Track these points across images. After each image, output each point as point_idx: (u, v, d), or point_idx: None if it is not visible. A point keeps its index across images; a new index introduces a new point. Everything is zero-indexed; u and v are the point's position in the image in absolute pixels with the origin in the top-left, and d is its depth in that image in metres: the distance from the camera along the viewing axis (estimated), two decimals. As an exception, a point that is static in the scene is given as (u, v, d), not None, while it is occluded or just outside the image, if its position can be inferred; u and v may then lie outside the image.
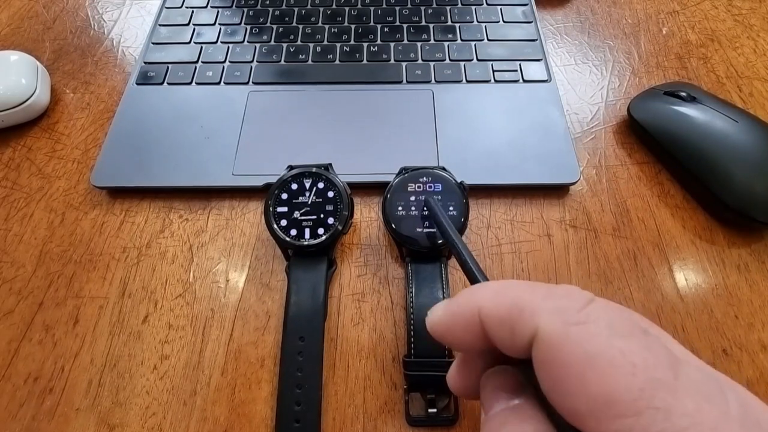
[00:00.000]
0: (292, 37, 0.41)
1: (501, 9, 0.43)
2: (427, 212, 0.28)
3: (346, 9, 0.43)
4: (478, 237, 0.32)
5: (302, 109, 0.37)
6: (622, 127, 0.37)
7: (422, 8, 0.43)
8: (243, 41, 0.41)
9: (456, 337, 0.16)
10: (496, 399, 0.15)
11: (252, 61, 0.40)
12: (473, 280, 0.20)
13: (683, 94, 0.34)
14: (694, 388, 0.12)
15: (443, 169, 0.29)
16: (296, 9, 0.43)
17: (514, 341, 0.14)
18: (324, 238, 0.28)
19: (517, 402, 0.15)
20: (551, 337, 0.13)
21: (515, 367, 0.16)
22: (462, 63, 0.39)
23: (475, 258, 0.21)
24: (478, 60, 0.39)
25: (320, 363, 0.26)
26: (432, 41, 0.41)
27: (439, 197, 0.28)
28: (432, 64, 0.39)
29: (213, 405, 0.26)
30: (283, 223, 0.28)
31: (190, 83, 0.38)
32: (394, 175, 0.29)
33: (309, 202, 0.29)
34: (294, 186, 0.29)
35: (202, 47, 0.40)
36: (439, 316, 0.16)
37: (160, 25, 0.42)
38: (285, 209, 0.28)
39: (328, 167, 0.30)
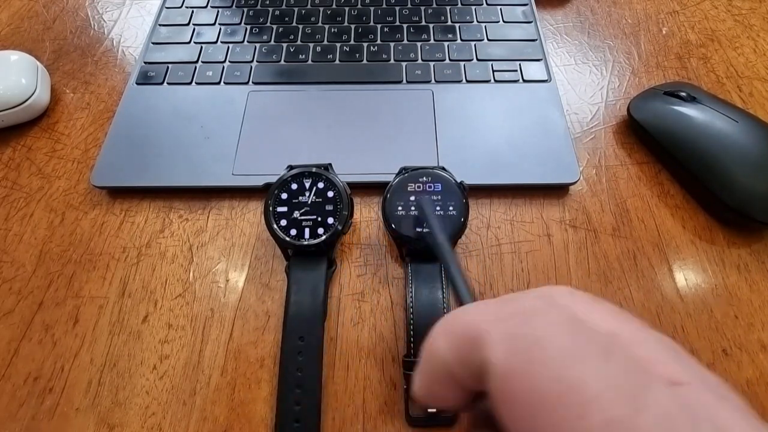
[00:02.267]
0: (292, 37, 0.41)
1: (501, 9, 0.43)
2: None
3: (346, 9, 0.43)
4: (478, 237, 0.32)
5: (302, 109, 0.37)
6: (622, 127, 0.37)
7: (422, 8, 0.43)
8: (243, 41, 0.41)
9: (444, 399, 0.14)
10: None
11: (252, 61, 0.40)
12: (459, 299, 0.18)
13: (683, 94, 0.34)
14: (658, 423, 0.10)
15: (443, 169, 0.29)
16: (296, 9, 0.43)
17: (479, 377, 0.12)
18: (324, 238, 0.28)
19: None
20: (497, 371, 0.11)
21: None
22: (462, 63, 0.39)
23: (464, 273, 0.19)
24: (478, 60, 0.39)
25: (320, 363, 0.26)
26: (432, 41, 0.41)
27: (439, 197, 0.28)
28: (432, 64, 0.39)
29: (213, 405, 0.26)
30: (283, 222, 0.28)
31: (190, 83, 0.38)
32: (394, 175, 0.29)
33: (309, 202, 0.29)
34: (294, 186, 0.29)
35: (202, 47, 0.40)
36: (417, 382, 0.14)
37: (160, 25, 0.42)
38: (285, 209, 0.28)
39: (328, 167, 0.30)
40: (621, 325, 0.12)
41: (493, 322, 0.12)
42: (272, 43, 0.41)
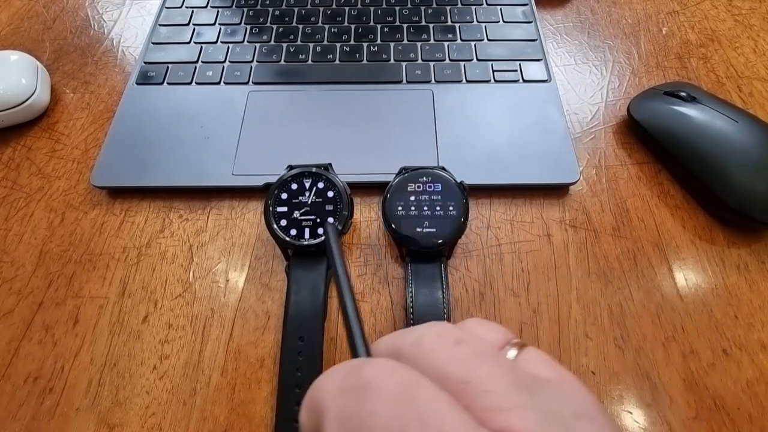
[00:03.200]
0: (292, 37, 0.41)
1: (501, 9, 0.43)
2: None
3: (346, 9, 0.43)
4: (478, 237, 0.32)
5: (302, 109, 0.37)
6: (622, 127, 0.37)
7: (422, 8, 0.43)
8: (243, 41, 0.41)
9: None
10: None
11: (252, 61, 0.40)
12: (354, 352, 0.16)
13: (683, 94, 0.34)
14: None
15: (443, 169, 0.29)
16: (296, 9, 0.43)
17: None
18: (324, 238, 0.28)
19: None
20: None
21: None
22: (462, 63, 0.39)
23: (361, 322, 0.16)
24: (478, 60, 0.39)
25: (320, 363, 0.26)
26: (432, 41, 0.41)
27: (439, 197, 0.28)
28: (432, 64, 0.39)
29: (213, 405, 0.26)
30: (283, 223, 0.28)
31: (190, 83, 0.38)
32: (394, 175, 0.29)
33: (309, 202, 0.29)
34: (294, 186, 0.29)
35: (202, 47, 0.40)
36: None
37: (160, 25, 0.42)
38: (285, 209, 0.28)
39: (328, 167, 0.30)
40: (474, 371, 0.12)
41: (333, 398, 0.12)
42: (272, 43, 0.41)
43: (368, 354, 0.15)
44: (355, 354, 0.15)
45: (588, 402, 0.12)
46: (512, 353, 0.14)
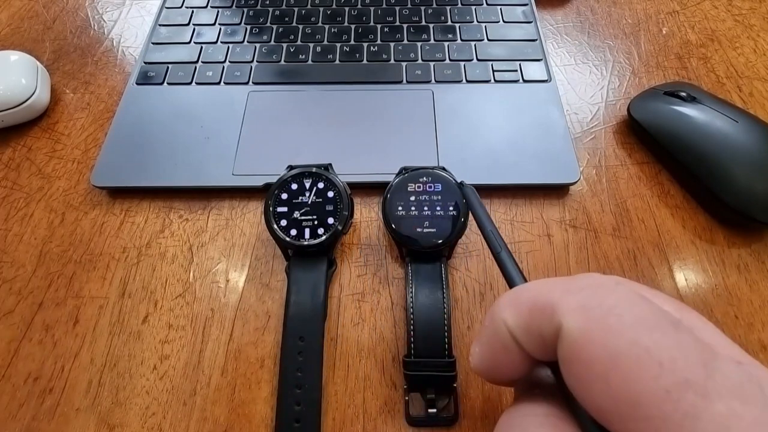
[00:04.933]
0: (292, 37, 0.41)
1: (501, 9, 0.43)
2: (464, 203, 0.27)
3: (346, 9, 0.43)
4: (478, 237, 0.32)
5: (302, 109, 0.37)
6: (622, 127, 0.37)
7: (422, 8, 0.43)
8: (243, 41, 0.41)
9: (504, 368, 0.15)
10: (530, 403, 0.15)
11: (252, 61, 0.40)
12: (510, 281, 0.19)
13: (683, 94, 0.34)
14: (728, 389, 0.11)
15: (443, 169, 0.29)
16: (296, 9, 0.43)
17: (545, 345, 0.13)
18: (324, 238, 0.28)
19: (547, 409, 0.14)
20: (573, 335, 0.12)
21: (548, 367, 0.15)
22: (462, 63, 0.39)
23: (514, 257, 0.20)
24: (478, 60, 0.39)
25: (320, 363, 0.26)
26: (432, 41, 0.41)
27: (439, 197, 0.28)
28: (432, 64, 0.39)
29: (213, 405, 0.26)
30: (283, 223, 0.28)
31: (190, 83, 0.38)
32: (394, 175, 0.29)
33: (309, 202, 0.29)
34: (294, 186, 0.29)
35: (202, 47, 0.40)
36: (477, 353, 0.15)
37: (160, 25, 0.42)
38: (285, 209, 0.28)
39: (328, 167, 0.30)
40: (680, 310, 0.13)
41: (565, 294, 0.13)
42: (272, 43, 0.41)
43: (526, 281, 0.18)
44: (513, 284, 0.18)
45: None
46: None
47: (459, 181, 0.29)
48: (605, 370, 0.11)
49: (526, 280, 0.18)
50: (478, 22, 0.42)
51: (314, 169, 0.29)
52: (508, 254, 0.20)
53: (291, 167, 0.30)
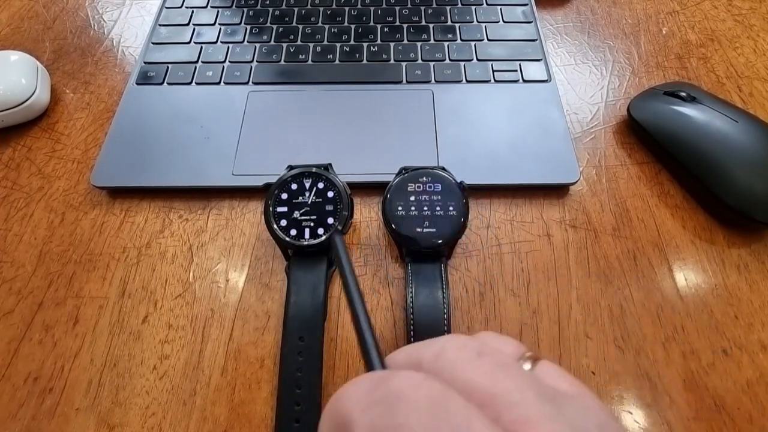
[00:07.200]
0: (292, 37, 0.41)
1: (501, 9, 0.43)
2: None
3: (346, 9, 0.43)
4: (478, 237, 0.32)
5: (302, 109, 0.37)
6: (622, 127, 0.37)
7: (422, 8, 0.43)
8: (243, 41, 0.41)
9: None
10: None
11: (252, 61, 0.40)
12: (368, 364, 0.15)
13: (683, 94, 0.34)
14: None
15: (443, 169, 0.29)
16: (296, 9, 0.43)
17: None
18: (324, 238, 0.28)
19: None
20: None
21: None
22: (462, 63, 0.39)
23: (375, 334, 0.16)
24: (478, 60, 0.39)
25: (320, 363, 0.26)
26: (432, 41, 0.41)
27: (439, 197, 0.28)
28: (432, 64, 0.39)
29: (213, 405, 0.26)
30: (283, 223, 0.28)
31: (190, 83, 0.38)
32: (394, 175, 0.29)
33: (309, 202, 0.29)
34: (294, 186, 0.29)
35: (202, 47, 0.40)
36: None
37: (160, 25, 0.42)
38: (285, 209, 0.28)
39: (328, 167, 0.30)
40: (499, 383, 0.12)
41: (362, 411, 0.12)
42: (272, 43, 0.41)
43: (383, 367, 0.15)
44: (370, 366, 0.15)
45: (607, 416, 0.12)
46: (527, 366, 0.14)
47: (459, 180, 0.29)
48: None
49: (382, 363, 0.15)
50: (478, 22, 0.42)
51: (314, 169, 0.29)
52: (368, 326, 0.16)
53: (291, 167, 0.30)
